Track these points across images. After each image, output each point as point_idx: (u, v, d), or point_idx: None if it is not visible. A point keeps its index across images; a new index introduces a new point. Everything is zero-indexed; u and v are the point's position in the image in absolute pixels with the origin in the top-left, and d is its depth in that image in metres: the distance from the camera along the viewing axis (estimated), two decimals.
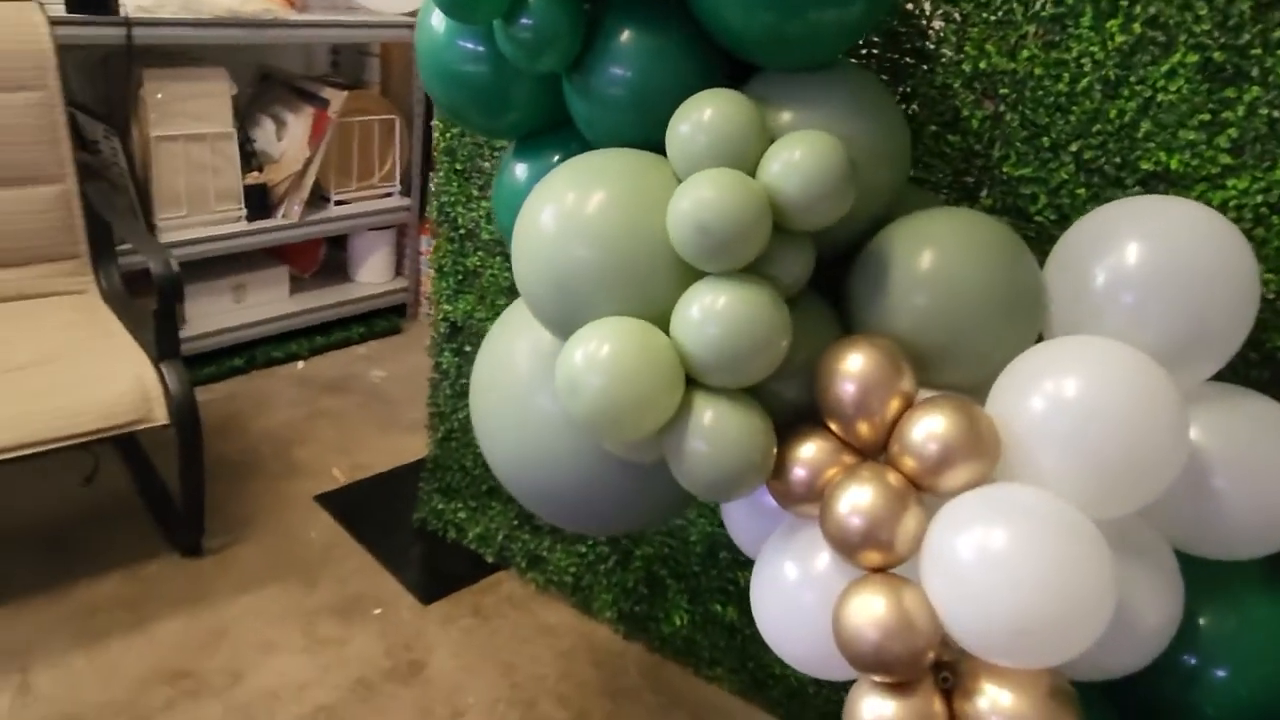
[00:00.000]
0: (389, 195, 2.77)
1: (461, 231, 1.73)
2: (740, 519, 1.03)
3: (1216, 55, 0.94)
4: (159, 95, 2.16)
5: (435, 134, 1.69)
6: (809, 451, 0.89)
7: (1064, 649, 0.76)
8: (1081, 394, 0.80)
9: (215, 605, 1.73)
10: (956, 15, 1.08)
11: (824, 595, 0.84)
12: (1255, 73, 0.92)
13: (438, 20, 1.01)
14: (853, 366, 0.86)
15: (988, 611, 0.75)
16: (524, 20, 0.89)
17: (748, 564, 1.59)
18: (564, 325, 0.90)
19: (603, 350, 0.83)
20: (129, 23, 2.02)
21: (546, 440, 1.05)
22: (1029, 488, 0.79)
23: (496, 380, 1.10)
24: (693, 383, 0.88)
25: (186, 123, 2.23)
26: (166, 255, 1.63)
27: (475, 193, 1.69)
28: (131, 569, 1.79)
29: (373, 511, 2.06)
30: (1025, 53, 1.05)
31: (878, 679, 0.80)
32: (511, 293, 1.71)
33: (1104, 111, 1.02)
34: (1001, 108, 1.08)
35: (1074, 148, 1.05)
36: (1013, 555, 0.75)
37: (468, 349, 1.82)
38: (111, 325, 1.78)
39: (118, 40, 2.02)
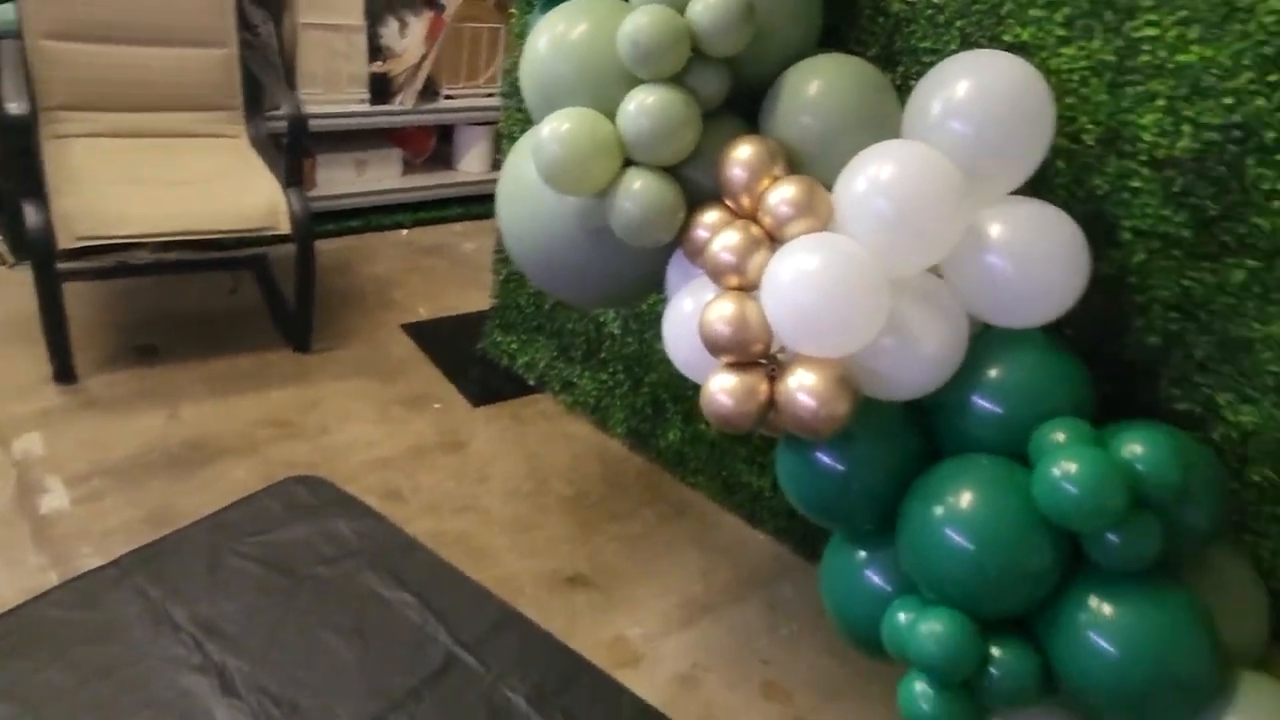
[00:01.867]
0: (491, 95, 3.20)
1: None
2: (674, 280, 1.39)
3: None
4: None
5: (512, 21, 2.08)
6: (709, 218, 1.24)
7: (846, 342, 1.10)
8: (890, 178, 1.13)
9: (315, 384, 2.22)
10: None
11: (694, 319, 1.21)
12: None
13: None
14: (741, 154, 1.21)
15: (793, 311, 1.10)
16: None
17: None
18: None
19: (563, 126, 1.21)
20: None
21: (546, 223, 1.44)
22: (837, 235, 1.13)
23: (515, 185, 1.49)
24: (630, 162, 1.24)
25: (327, 14, 2.71)
26: (298, 101, 2.10)
27: None
28: (257, 354, 2.29)
29: (446, 340, 2.51)
30: None
31: (724, 360, 1.16)
32: None
33: None
34: None
35: (959, 24, 1.35)
36: (814, 273, 1.09)
37: None
38: (254, 161, 2.27)
39: None
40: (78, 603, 1.57)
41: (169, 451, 1.93)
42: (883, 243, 1.12)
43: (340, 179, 3.02)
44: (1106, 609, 1.09)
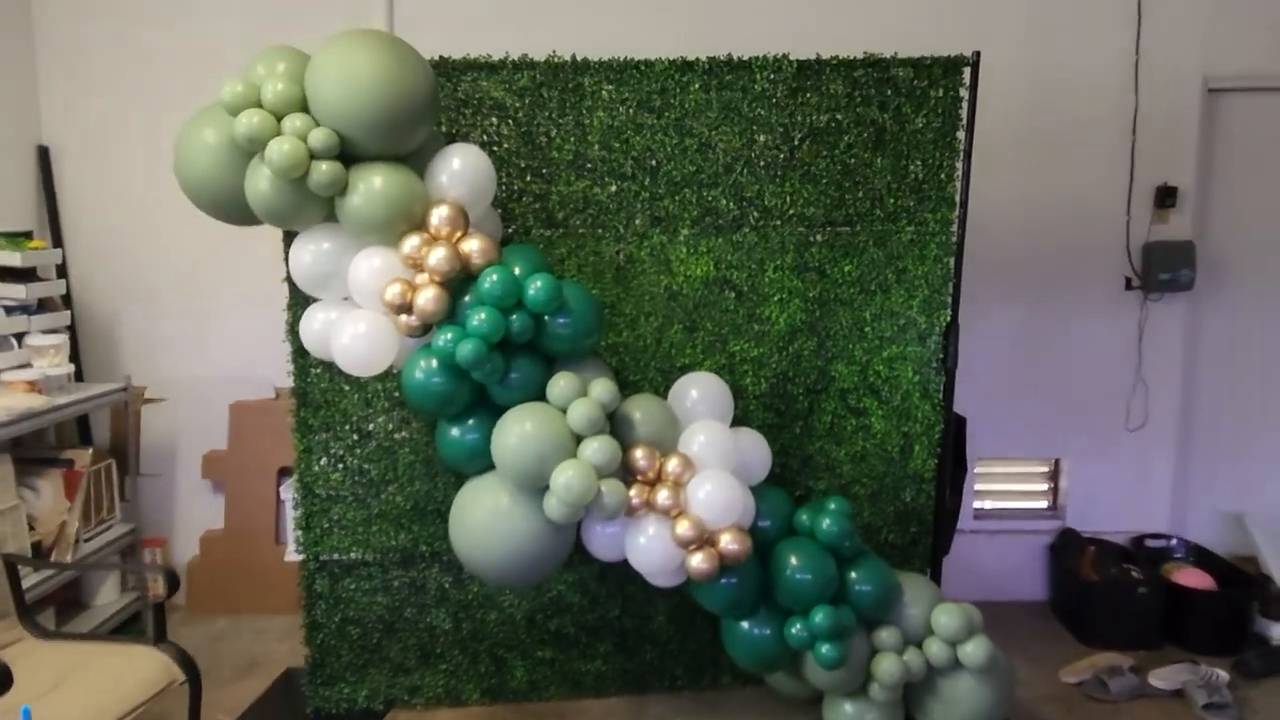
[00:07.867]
0: (111, 526, 3.37)
1: (323, 495, 2.77)
2: (599, 543, 2.43)
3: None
4: None
5: (295, 441, 2.73)
6: (634, 491, 2.36)
7: (742, 502, 2.36)
8: (705, 440, 2.43)
9: None
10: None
11: (662, 540, 2.32)
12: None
13: (420, 373, 2.28)
14: (639, 454, 2.37)
15: (714, 508, 2.32)
16: (488, 366, 2.25)
17: (554, 614, 2.90)
18: (540, 479, 2.24)
19: (569, 473, 2.21)
20: None
21: (521, 536, 2.33)
22: (709, 470, 2.39)
23: (480, 520, 2.34)
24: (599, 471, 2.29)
25: None
26: None
27: (325, 467, 2.76)
28: None
29: None
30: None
31: (691, 548, 2.30)
32: (366, 524, 2.79)
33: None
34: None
35: (655, 372, 2.74)
36: (714, 489, 2.33)
37: (335, 571, 2.81)
38: None
39: None
40: None
41: None
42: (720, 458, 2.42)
43: None
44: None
